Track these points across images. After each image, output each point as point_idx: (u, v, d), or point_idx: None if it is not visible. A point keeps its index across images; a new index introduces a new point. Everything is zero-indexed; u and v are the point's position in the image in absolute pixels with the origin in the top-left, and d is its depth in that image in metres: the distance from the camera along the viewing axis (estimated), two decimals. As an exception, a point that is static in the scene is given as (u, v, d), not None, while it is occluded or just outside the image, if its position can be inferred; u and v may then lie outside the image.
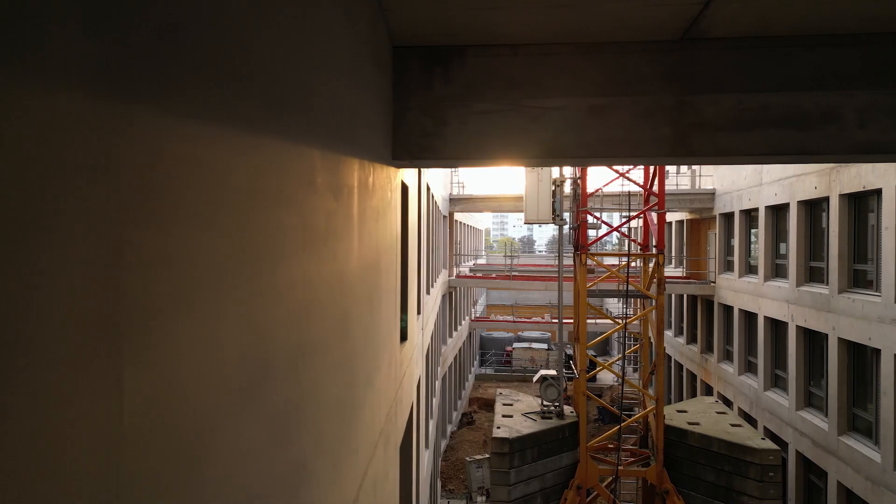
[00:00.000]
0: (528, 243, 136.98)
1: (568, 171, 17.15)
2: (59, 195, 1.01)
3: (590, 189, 16.67)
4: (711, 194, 24.12)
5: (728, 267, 22.91)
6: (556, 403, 16.57)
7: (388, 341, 6.01)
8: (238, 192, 1.86)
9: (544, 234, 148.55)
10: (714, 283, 23.88)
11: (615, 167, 16.01)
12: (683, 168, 28.82)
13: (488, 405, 32.96)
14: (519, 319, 36.71)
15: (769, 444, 14.60)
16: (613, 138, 5.63)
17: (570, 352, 19.29)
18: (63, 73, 1.02)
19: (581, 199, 16.22)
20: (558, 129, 5.73)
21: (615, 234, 17.85)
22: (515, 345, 41.87)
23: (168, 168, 1.41)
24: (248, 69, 1.92)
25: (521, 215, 20.27)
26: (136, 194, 1.26)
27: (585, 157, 5.75)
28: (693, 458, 15.30)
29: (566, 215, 17.25)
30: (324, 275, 3.01)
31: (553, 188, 17.20)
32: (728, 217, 23.07)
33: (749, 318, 20.74)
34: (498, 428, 15.75)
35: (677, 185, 27.69)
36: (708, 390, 24.22)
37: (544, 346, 41.46)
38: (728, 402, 21.42)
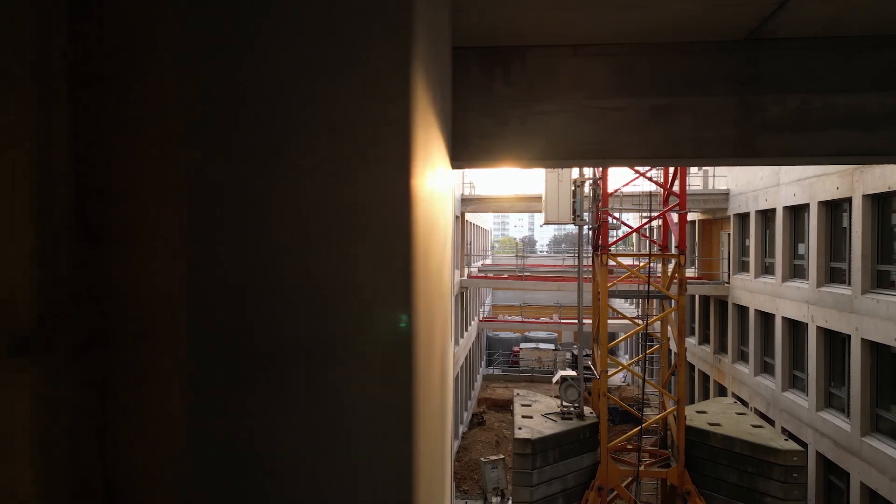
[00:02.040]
0: (529, 243, 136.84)
1: (587, 171, 17.15)
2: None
3: (609, 189, 16.67)
4: (725, 195, 24.10)
5: (743, 267, 22.88)
6: (577, 404, 16.56)
7: (449, 341, 6.00)
8: (423, 192, 1.84)
9: (545, 235, 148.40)
10: (728, 283, 23.86)
11: (636, 167, 16.01)
12: (694, 168, 28.78)
13: (497, 405, 32.91)
14: (527, 319, 36.68)
15: (792, 445, 14.59)
16: (676, 139, 5.61)
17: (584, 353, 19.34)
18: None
19: (602, 199, 16.23)
20: (620, 129, 5.71)
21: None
22: (522, 345, 41.74)
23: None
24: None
25: (523, 215, 20.33)
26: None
27: (647, 158, 5.74)
28: (715, 459, 15.27)
29: (585, 215, 17.25)
30: (442, 275, 3.01)
31: (573, 188, 17.20)
32: (743, 217, 23.05)
33: (765, 318, 20.72)
34: (519, 429, 15.72)
35: (689, 185, 27.64)
36: (721, 391, 24.20)
37: (551, 346, 41.38)
38: (744, 403, 21.39)
